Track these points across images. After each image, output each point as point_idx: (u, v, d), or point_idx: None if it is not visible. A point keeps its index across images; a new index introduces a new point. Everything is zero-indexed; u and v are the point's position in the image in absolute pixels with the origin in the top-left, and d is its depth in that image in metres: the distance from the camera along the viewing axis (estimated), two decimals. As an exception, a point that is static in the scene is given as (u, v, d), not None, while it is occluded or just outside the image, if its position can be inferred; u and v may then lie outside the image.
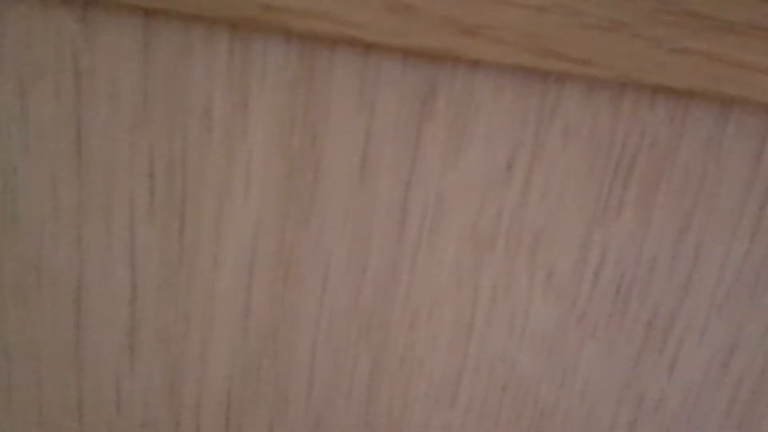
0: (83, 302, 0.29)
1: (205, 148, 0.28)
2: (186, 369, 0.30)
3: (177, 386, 0.31)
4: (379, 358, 0.31)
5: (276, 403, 0.31)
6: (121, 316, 0.30)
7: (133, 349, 0.30)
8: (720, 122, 0.28)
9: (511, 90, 0.27)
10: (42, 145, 0.27)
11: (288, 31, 0.26)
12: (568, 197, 0.29)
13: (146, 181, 0.28)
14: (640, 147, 0.28)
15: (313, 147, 0.28)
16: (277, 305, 0.30)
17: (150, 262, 0.29)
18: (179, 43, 0.27)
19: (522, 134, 0.28)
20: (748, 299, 0.30)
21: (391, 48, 0.27)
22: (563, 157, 0.28)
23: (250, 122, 0.28)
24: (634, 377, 0.31)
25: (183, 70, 0.27)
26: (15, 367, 0.30)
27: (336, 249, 0.29)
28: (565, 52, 0.26)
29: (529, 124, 0.28)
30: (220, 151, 0.28)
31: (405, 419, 0.31)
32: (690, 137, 0.28)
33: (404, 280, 0.30)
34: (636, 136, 0.28)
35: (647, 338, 0.31)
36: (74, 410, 0.30)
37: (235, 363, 0.30)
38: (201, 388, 0.31)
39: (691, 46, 0.26)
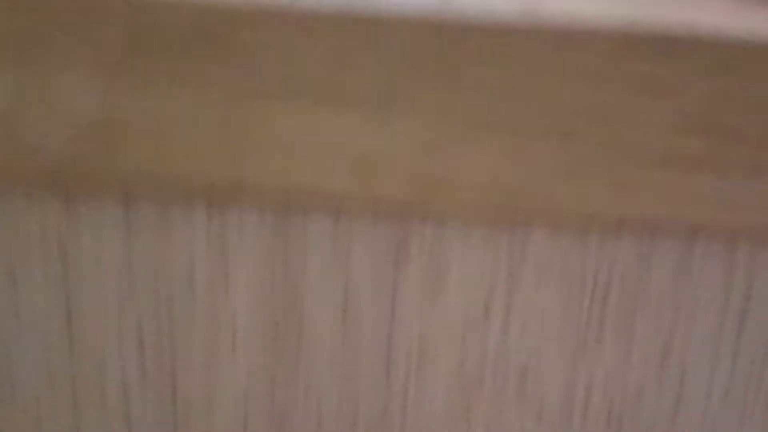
0: (82, 476, 0.30)
1: (190, 317, 0.29)
2: None
3: None
4: (379, 504, 0.31)
5: None
6: (121, 485, 0.30)
7: None
8: (686, 249, 0.28)
9: (480, 235, 0.28)
10: (34, 328, 0.29)
11: (261, 202, 0.28)
12: (548, 333, 0.29)
13: (136, 354, 0.29)
14: (611, 279, 0.29)
15: (295, 306, 0.29)
16: (273, 461, 0.30)
17: None
18: (159, 221, 0.28)
19: (495, 276, 0.29)
20: (738, 418, 0.30)
21: (361, 207, 0.28)
22: (538, 295, 0.29)
23: (232, 288, 0.29)
24: (638, 502, 0.31)
25: (164, 246, 0.28)
26: None
27: (326, 400, 0.30)
28: (525, 198, 0.27)
29: (501, 266, 0.29)
30: (205, 318, 0.29)
31: None
32: (659, 266, 0.28)
33: (396, 424, 0.30)
34: (606, 269, 0.28)
35: (645, 462, 0.31)
36: None
37: None
38: None
39: (647, 183, 0.27)
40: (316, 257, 0.29)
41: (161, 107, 0.26)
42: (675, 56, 0.25)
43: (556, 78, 0.25)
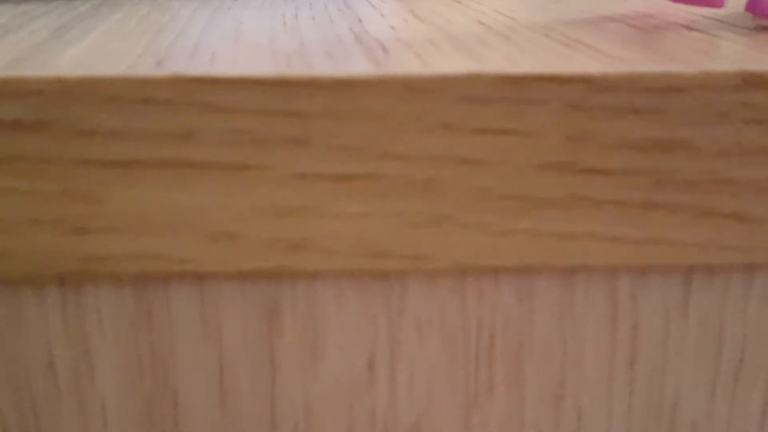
0: None
1: (55, 405, 0.27)
2: None
3: None
4: None
5: None
6: None
7: None
8: (567, 291, 0.27)
9: (355, 293, 0.27)
10: None
11: (117, 277, 0.26)
12: (437, 386, 0.28)
13: (-5, 452, 0.27)
14: (494, 326, 0.28)
15: (167, 383, 0.27)
16: None
17: None
18: (10, 307, 0.26)
19: (375, 333, 0.27)
20: (640, 456, 0.29)
21: (226, 274, 0.26)
22: (421, 348, 0.28)
23: (97, 370, 0.27)
24: None
25: (18, 332, 0.26)
26: None
27: (211, 480, 0.28)
28: (395, 251, 0.26)
29: (380, 323, 0.27)
30: (71, 404, 0.27)
31: None
32: (542, 309, 0.27)
33: (290, 497, 0.29)
34: (488, 316, 0.27)
35: None
36: None
37: None
38: None
39: (517, 227, 0.26)
40: (184, 329, 0.27)
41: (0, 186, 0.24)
42: (527, 98, 0.24)
43: (408, 127, 0.24)
